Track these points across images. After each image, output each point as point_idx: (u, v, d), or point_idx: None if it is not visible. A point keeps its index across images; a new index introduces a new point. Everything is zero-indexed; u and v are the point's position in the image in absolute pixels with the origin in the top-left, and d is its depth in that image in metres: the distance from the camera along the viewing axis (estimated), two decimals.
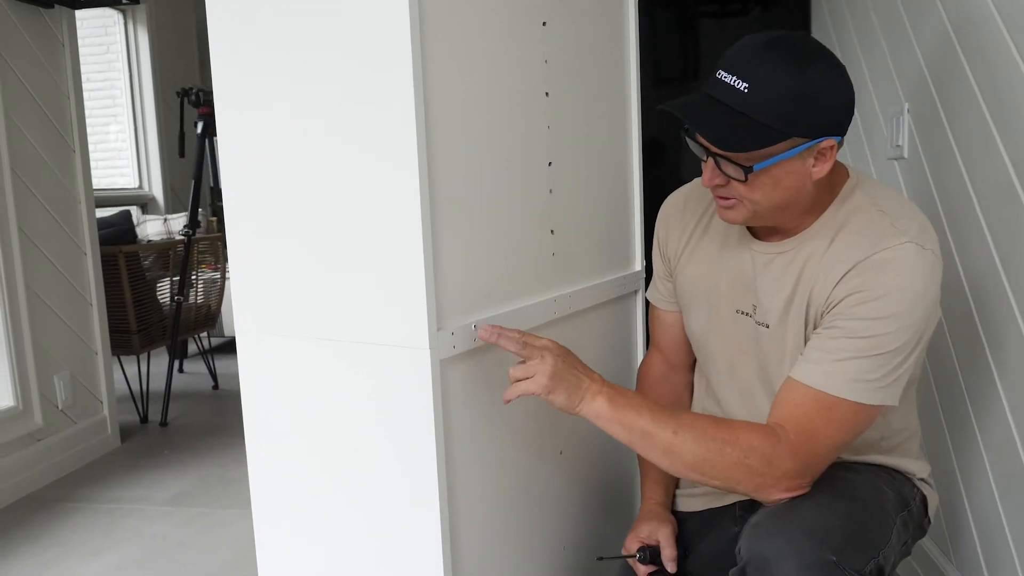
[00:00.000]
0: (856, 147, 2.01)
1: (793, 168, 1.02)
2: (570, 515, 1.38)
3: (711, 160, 1.04)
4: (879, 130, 1.85)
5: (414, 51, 0.92)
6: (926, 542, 1.65)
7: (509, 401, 1.05)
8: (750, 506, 1.14)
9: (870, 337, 1.00)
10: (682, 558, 1.23)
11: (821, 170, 1.03)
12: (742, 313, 1.17)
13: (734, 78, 0.99)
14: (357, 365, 1.03)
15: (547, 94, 1.24)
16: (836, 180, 1.09)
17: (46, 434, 2.63)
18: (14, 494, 2.48)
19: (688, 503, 1.30)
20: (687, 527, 1.27)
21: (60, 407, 2.70)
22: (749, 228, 1.17)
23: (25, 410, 2.53)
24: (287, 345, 1.07)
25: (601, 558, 1.30)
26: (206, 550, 2.10)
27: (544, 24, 1.22)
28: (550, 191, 1.27)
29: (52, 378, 2.67)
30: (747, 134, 0.98)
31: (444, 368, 1.01)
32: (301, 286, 1.04)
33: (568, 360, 1.04)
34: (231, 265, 1.10)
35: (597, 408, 1.03)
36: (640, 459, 1.31)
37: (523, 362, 1.04)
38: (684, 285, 1.27)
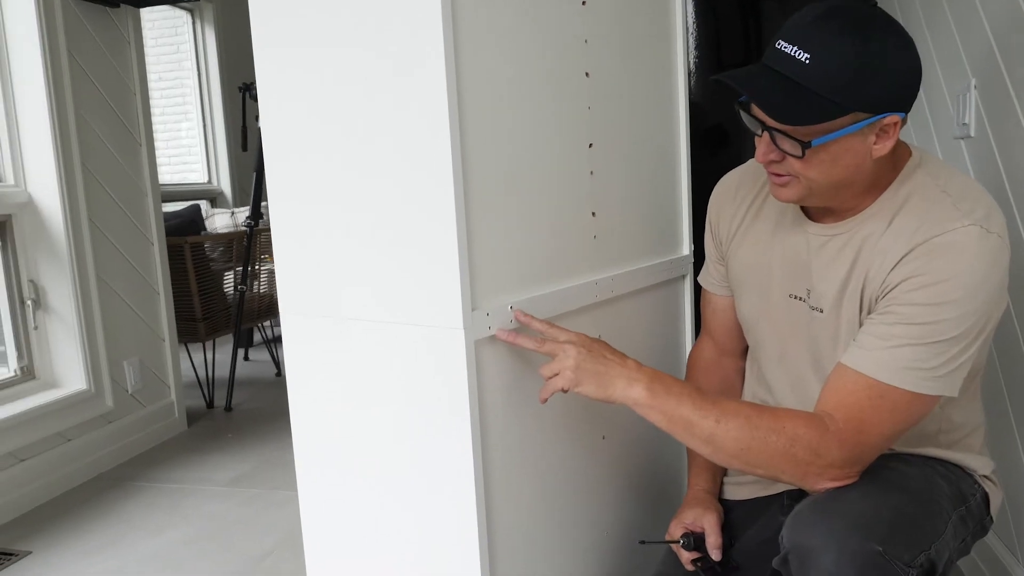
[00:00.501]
0: (921, 126, 1.92)
1: (853, 145, 0.97)
2: (613, 501, 1.36)
3: (766, 134, 1.00)
4: (945, 108, 1.76)
5: (445, 27, 0.92)
6: (992, 540, 1.57)
7: (545, 400, 1.04)
8: (798, 495, 1.10)
9: (927, 324, 0.96)
10: (728, 546, 1.20)
11: (883, 148, 0.98)
12: (795, 298, 1.13)
13: (795, 48, 0.95)
14: (393, 346, 1.03)
15: (587, 74, 1.23)
16: (898, 159, 1.04)
17: (116, 416, 2.74)
18: (86, 473, 2.59)
19: (735, 491, 1.27)
20: (734, 515, 1.24)
21: (130, 391, 2.81)
22: (804, 209, 1.13)
23: (96, 393, 2.64)
24: (326, 326, 1.08)
25: (644, 542, 1.28)
26: (262, 529, 2.16)
27: (584, 3, 1.20)
28: (591, 173, 1.25)
29: (122, 363, 2.78)
30: (806, 107, 0.94)
31: (479, 349, 1.01)
32: (339, 267, 1.05)
33: (596, 350, 1.02)
34: (275, 248, 1.12)
35: (635, 396, 1.01)
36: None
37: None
38: (736, 269, 1.24)
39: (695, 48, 2.63)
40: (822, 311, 1.09)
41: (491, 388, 1.04)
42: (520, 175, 1.08)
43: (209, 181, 5.61)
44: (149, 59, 5.51)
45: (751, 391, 1.27)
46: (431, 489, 1.04)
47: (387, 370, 1.04)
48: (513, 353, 1.08)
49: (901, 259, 0.99)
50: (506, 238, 1.06)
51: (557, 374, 1.01)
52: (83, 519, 2.29)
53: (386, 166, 0.99)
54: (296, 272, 1.09)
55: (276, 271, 1.12)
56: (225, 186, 5.54)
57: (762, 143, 1.02)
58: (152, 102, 5.53)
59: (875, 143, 0.98)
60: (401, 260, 1.00)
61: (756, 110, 0.99)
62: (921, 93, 1.87)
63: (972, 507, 1.08)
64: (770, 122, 0.98)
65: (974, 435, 1.14)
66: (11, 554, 2.07)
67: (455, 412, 1.00)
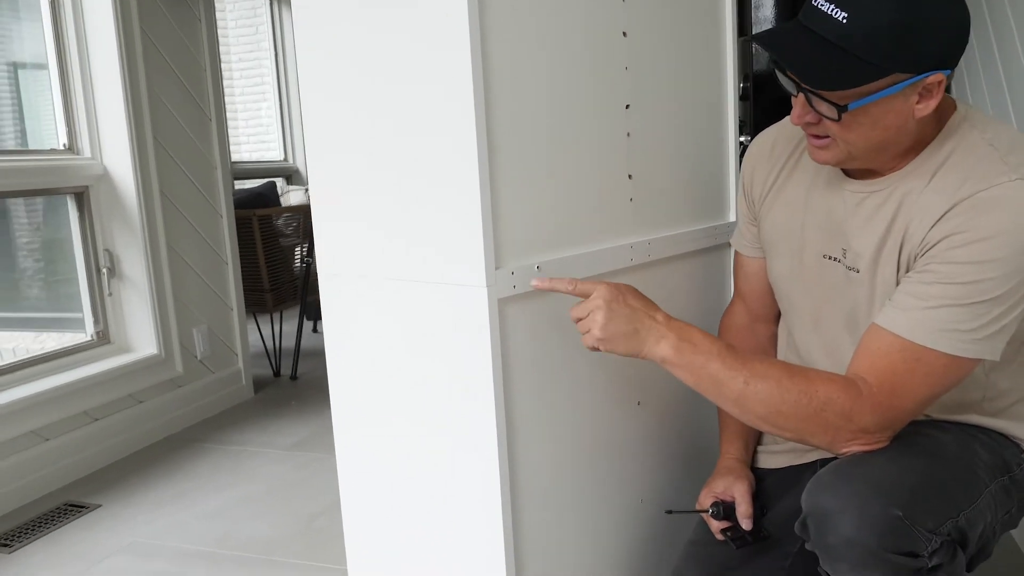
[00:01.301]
0: (996, 94, 1.82)
1: (894, 106, 0.93)
2: (649, 468, 1.35)
3: (801, 96, 0.97)
4: (1022, 75, 1.66)
5: None
6: None
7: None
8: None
9: (967, 284, 0.91)
10: (759, 516, 1.18)
11: (926, 108, 0.93)
12: (830, 258, 1.09)
13: (832, 6, 0.90)
14: (421, 304, 1.04)
15: (624, 33, 1.20)
16: (942, 113, 0.99)
17: (185, 381, 2.86)
18: (157, 434, 2.72)
19: (769, 460, 1.24)
20: (767, 484, 1.22)
21: (199, 357, 2.93)
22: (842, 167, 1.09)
23: (167, 359, 2.76)
24: (359, 285, 1.10)
25: (670, 511, 1.27)
26: (316, 491, 2.23)
27: None
28: (628, 134, 1.23)
29: (191, 330, 2.90)
30: (842, 71, 0.90)
31: (503, 308, 1.01)
32: (370, 226, 1.07)
33: (622, 301, 0.99)
34: (312, 210, 1.14)
35: (662, 353, 0.99)
36: (719, 412, 1.26)
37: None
38: (768, 229, 1.20)
39: (773, 19, 2.54)
40: (858, 271, 1.05)
41: (517, 348, 1.04)
42: (550, 135, 1.07)
43: (285, 159, 5.77)
44: (229, 41, 5.68)
45: (783, 357, 1.23)
46: (456, 447, 1.04)
47: (415, 329, 1.05)
48: (541, 313, 1.08)
49: (943, 215, 0.94)
50: (534, 198, 1.05)
51: (589, 331, 1.00)
52: (151, 476, 2.41)
53: (412, 124, 0.99)
54: (331, 233, 1.11)
55: (314, 233, 1.15)
56: (300, 164, 5.70)
57: (797, 104, 0.98)
58: (232, 82, 5.72)
59: (918, 103, 0.93)
60: (427, 218, 1.01)
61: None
62: (997, 58, 1.77)
63: (1017, 477, 1.03)
64: (804, 85, 0.95)
65: (1022, 403, 1.08)
66: (83, 507, 2.20)
67: (478, 371, 1.00)
